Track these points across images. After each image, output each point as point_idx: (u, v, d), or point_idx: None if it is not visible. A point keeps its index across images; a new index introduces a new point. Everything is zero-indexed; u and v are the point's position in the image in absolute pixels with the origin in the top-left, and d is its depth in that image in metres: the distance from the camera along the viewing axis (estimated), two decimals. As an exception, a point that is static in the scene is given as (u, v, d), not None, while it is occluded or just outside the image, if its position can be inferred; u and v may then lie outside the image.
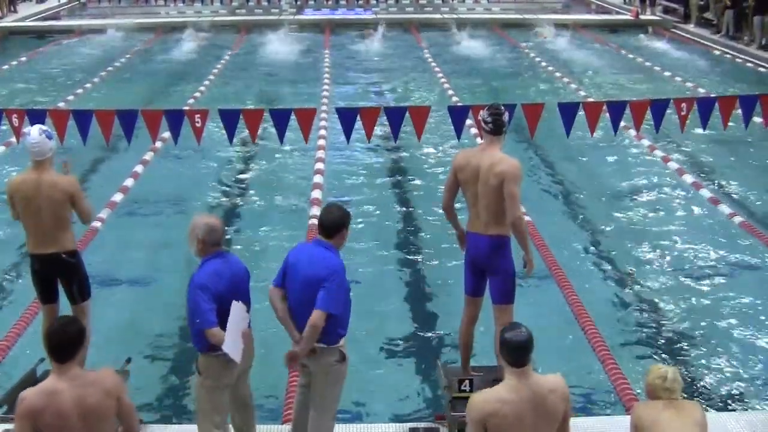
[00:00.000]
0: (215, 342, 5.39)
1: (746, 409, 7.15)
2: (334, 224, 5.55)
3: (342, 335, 5.58)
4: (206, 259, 5.56)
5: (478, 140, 12.35)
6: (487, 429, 4.42)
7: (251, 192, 12.69)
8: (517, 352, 4.43)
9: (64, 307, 6.64)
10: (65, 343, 4.41)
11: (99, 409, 4.40)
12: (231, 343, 5.39)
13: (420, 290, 9.58)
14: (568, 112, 9.50)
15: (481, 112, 6.44)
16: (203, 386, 5.63)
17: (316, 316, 5.36)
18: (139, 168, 12.80)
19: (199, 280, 5.46)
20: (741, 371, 7.86)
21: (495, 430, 4.41)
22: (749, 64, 21.64)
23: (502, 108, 6.44)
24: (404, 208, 12.04)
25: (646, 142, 14.14)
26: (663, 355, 8.10)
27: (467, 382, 6.43)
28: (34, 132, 6.42)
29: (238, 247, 10.32)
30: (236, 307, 5.42)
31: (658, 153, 13.79)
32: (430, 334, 8.53)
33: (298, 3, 31.13)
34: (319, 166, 12.88)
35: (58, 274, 6.57)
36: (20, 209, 6.45)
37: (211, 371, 5.56)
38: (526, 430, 4.43)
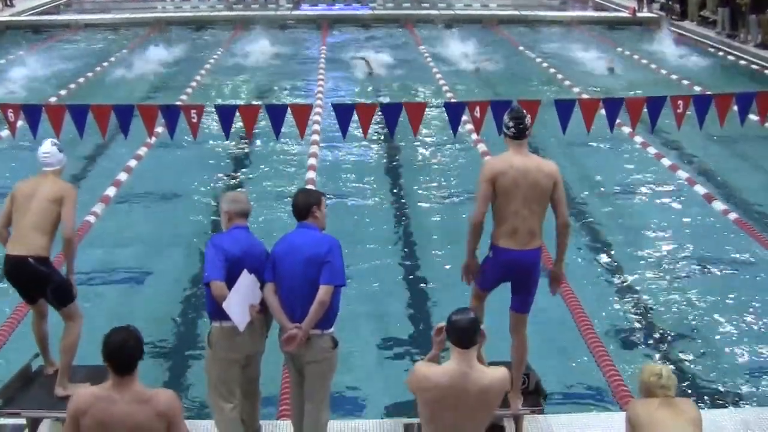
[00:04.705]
0: (217, 295, 5.44)
1: (740, 406, 7.16)
2: (305, 205, 5.68)
3: (334, 317, 5.60)
4: (229, 229, 5.72)
5: (473, 136, 12.34)
6: (418, 399, 4.75)
7: (246, 187, 12.65)
8: (459, 333, 4.66)
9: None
10: (123, 358, 4.30)
11: (146, 429, 4.29)
12: (234, 307, 5.42)
13: (417, 284, 9.56)
14: (564, 109, 9.49)
15: (504, 117, 6.03)
16: (214, 359, 5.67)
17: (324, 292, 5.41)
18: (132, 162, 12.77)
19: (215, 240, 5.68)
20: (736, 368, 7.86)
21: (424, 404, 4.72)
22: (743, 62, 21.65)
23: (524, 111, 6.07)
24: (400, 204, 12.02)
25: (639, 139, 14.13)
26: (657, 352, 8.11)
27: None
28: (46, 143, 6.46)
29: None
30: (246, 277, 5.48)
31: (652, 150, 13.78)
32: (425, 330, 8.51)
33: (295, -2, 31.06)
34: (313, 161, 12.87)
35: (26, 280, 6.20)
36: (15, 210, 6.25)
37: (221, 343, 5.61)
38: (456, 417, 4.65)
